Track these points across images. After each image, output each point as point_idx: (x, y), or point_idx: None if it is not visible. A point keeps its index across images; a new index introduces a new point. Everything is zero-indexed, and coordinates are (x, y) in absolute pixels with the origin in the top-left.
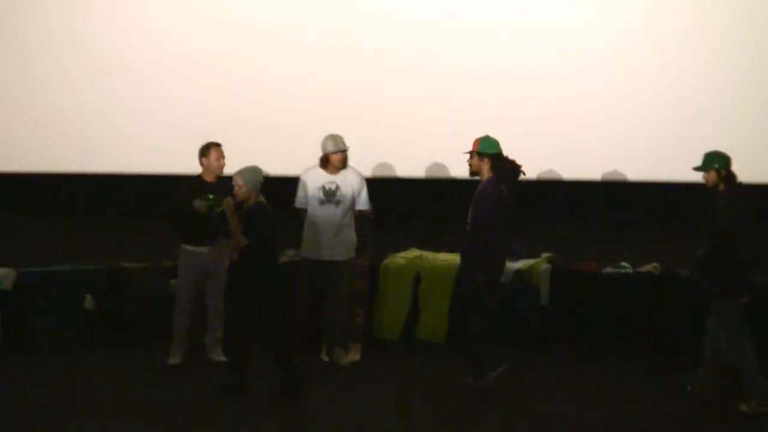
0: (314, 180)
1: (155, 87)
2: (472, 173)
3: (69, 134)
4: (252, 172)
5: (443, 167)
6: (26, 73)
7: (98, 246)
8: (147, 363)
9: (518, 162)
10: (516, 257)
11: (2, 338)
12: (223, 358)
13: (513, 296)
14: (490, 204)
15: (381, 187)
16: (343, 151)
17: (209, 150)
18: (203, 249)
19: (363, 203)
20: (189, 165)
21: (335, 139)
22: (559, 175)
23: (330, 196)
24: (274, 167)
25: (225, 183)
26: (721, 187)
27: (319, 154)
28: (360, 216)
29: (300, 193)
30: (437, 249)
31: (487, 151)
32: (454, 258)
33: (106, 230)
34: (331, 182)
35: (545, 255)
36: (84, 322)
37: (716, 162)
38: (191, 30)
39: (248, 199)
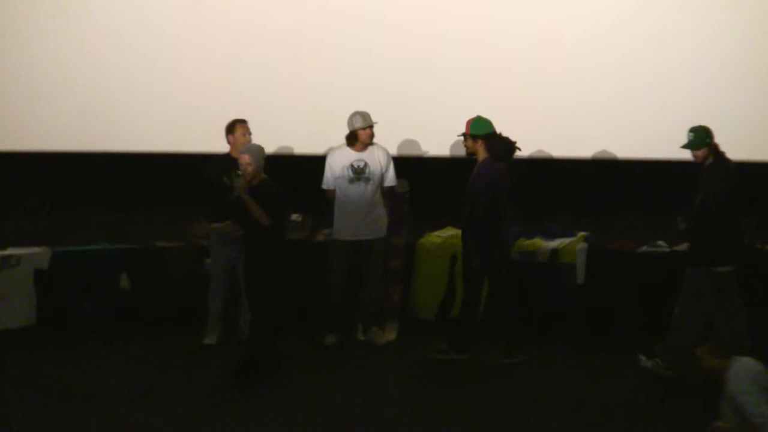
0: (342, 159)
1: (186, 66)
2: (469, 154)
3: (106, 114)
4: (258, 149)
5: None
6: (63, 54)
7: (134, 225)
8: (182, 343)
9: (512, 139)
10: (552, 236)
11: (38, 318)
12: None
13: (549, 275)
14: (485, 184)
15: (417, 165)
16: (371, 127)
17: (235, 126)
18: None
19: (390, 180)
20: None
21: (363, 115)
22: (597, 155)
23: (359, 173)
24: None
25: None
26: (710, 159)
27: (343, 133)
28: (389, 193)
29: (327, 174)
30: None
31: (479, 132)
32: (454, 233)
33: (142, 209)
34: (359, 160)
35: (581, 234)
36: (119, 301)
37: (707, 137)
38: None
39: (254, 177)
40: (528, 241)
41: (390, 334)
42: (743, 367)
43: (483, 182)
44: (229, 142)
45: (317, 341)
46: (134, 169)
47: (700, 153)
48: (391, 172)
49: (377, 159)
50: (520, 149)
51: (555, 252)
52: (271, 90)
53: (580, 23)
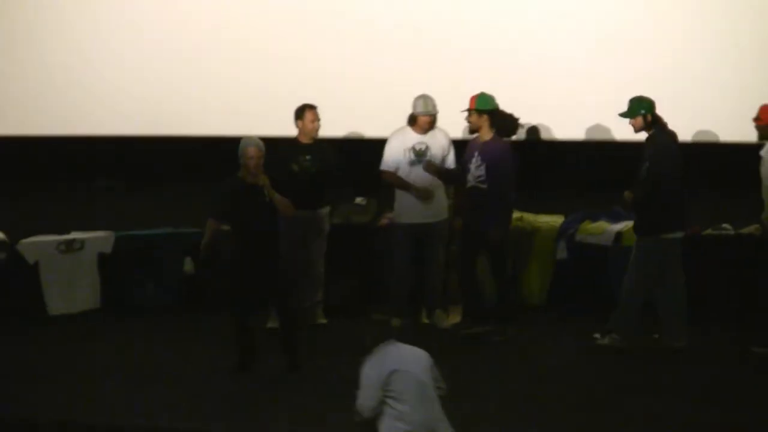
0: (403, 141)
1: (254, 49)
2: (472, 131)
3: (169, 98)
4: (260, 142)
5: (545, 128)
6: (131, 36)
7: (197, 209)
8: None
9: (516, 116)
10: (617, 219)
11: (102, 302)
12: (324, 321)
13: (613, 258)
14: (509, 161)
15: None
16: (432, 115)
17: (304, 112)
18: (303, 213)
19: (451, 163)
20: (284, 127)
21: (426, 101)
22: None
23: (420, 156)
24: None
25: (320, 145)
26: (649, 131)
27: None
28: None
29: (387, 155)
30: (537, 211)
31: (485, 107)
32: (555, 220)
33: (205, 193)
34: (421, 142)
35: None
36: (183, 285)
37: (642, 108)
38: None
39: (261, 171)
40: (593, 224)
41: (454, 318)
42: None
43: (508, 160)
44: (297, 127)
45: (382, 325)
46: (198, 153)
47: (635, 122)
48: (451, 156)
49: (439, 142)
50: (522, 125)
51: (620, 235)
52: (334, 73)
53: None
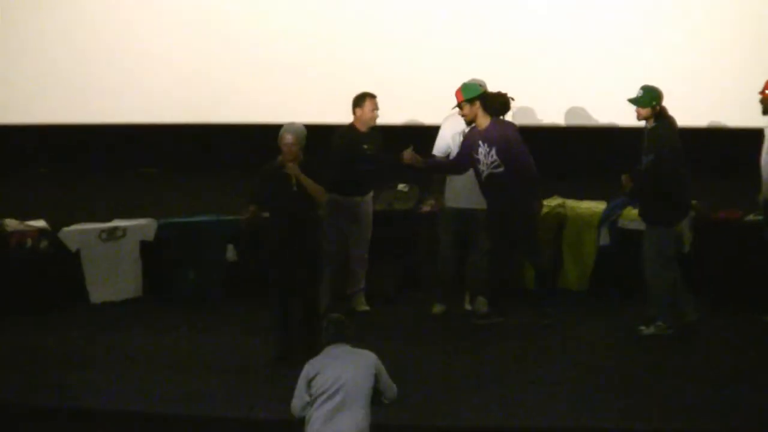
0: (453, 126)
1: (310, 37)
2: (469, 122)
3: (210, 85)
4: (300, 129)
5: (584, 115)
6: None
7: (240, 197)
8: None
9: (504, 92)
10: None
11: (144, 290)
12: (366, 308)
13: None
14: (517, 138)
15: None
16: None
17: (364, 100)
18: (351, 199)
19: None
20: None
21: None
22: (704, 124)
23: None
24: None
25: (377, 133)
26: (651, 121)
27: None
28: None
29: (439, 140)
30: (580, 197)
31: (473, 95)
32: (597, 206)
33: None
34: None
35: None
36: (226, 273)
37: (654, 99)
38: None
39: (297, 158)
40: (635, 210)
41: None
42: None
43: (518, 138)
44: (355, 114)
45: (425, 310)
46: (241, 141)
47: (644, 112)
48: None
49: None
50: (513, 99)
51: None
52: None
53: None
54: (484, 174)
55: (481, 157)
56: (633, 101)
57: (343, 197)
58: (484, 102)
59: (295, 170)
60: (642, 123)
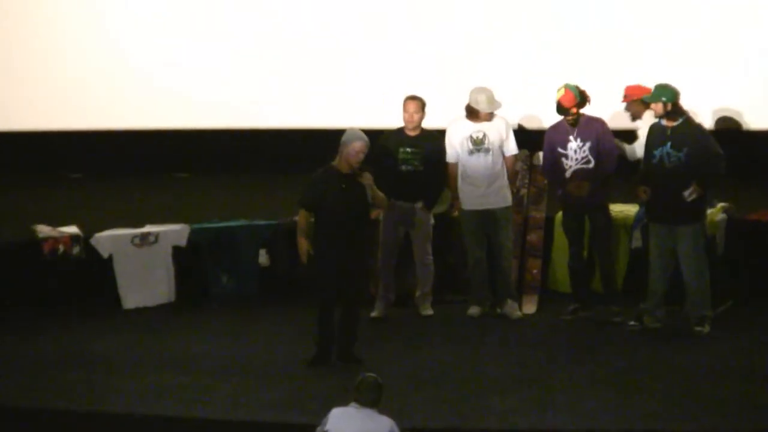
0: (460, 131)
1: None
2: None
3: (238, 91)
4: (365, 136)
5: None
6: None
7: (273, 201)
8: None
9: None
10: None
11: (177, 295)
12: (431, 312)
13: None
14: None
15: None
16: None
17: (404, 103)
18: (404, 203)
19: (512, 149)
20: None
21: (488, 96)
22: (736, 125)
23: (478, 144)
24: None
25: (427, 137)
26: (675, 120)
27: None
28: (512, 162)
29: (449, 147)
30: (611, 201)
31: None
32: (629, 209)
33: (281, 185)
34: (478, 131)
35: (721, 205)
36: (258, 277)
37: (664, 96)
38: None
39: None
40: None
41: (529, 308)
42: None
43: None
44: (403, 118)
45: (461, 313)
46: (273, 145)
47: (656, 107)
48: (511, 141)
49: (496, 128)
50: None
51: None
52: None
53: None
54: (571, 169)
55: (570, 152)
56: (646, 98)
57: (396, 200)
58: (583, 101)
59: (371, 179)
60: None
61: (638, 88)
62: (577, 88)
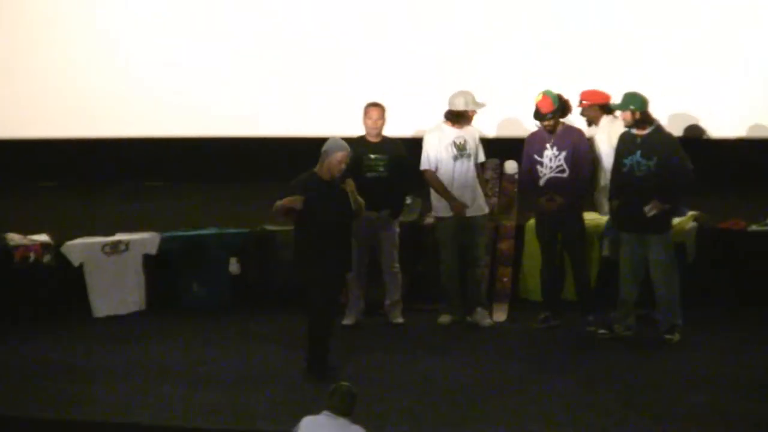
0: (443, 137)
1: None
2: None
3: (210, 99)
4: (347, 145)
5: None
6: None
7: (244, 210)
8: (292, 327)
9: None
10: None
11: (147, 303)
12: (401, 320)
13: None
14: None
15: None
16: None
17: (366, 110)
18: (371, 213)
19: (482, 156)
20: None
21: (473, 96)
22: (704, 134)
23: (461, 150)
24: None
25: (390, 144)
26: (645, 128)
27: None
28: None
29: (429, 154)
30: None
31: (557, 105)
32: (599, 218)
33: (252, 194)
34: (460, 136)
35: (691, 213)
36: (229, 286)
37: (632, 104)
38: None
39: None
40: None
41: (499, 316)
42: None
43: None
44: (364, 125)
45: (431, 321)
46: (242, 154)
47: (625, 116)
48: (481, 149)
49: (472, 135)
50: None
51: None
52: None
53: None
54: (545, 177)
55: (545, 160)
56: (614, 107)
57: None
58: (563, 109)
59: (353, 186)
60: None
61: (595, 93)
62: (558, 96)
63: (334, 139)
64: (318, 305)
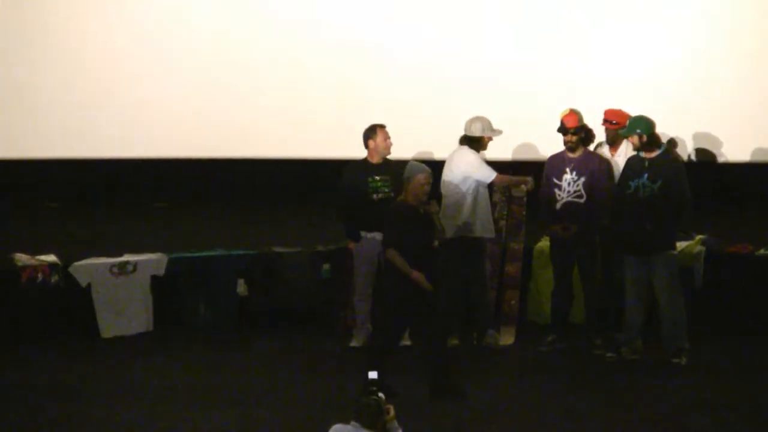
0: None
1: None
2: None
3: (218, 120)
4: (428, 168)
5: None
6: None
7: (251, 231)
8: (299, 348)
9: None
10: None
11: (155, 324)
12: (408, 342)
13: None
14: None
15: (529, 169)
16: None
17: (375, 131)
18: (375, 234)
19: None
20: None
21: (490, 122)
22: (713, 158)
23: None
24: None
25: (391, 165)
26: (652, 152)
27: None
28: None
29: (452, 178)
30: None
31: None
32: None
33: (259, 215)
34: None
35: (699, 237)
36: (236, 307)
37: (638, 128)
38: None
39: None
40: None
41: (507, 339)
42: None
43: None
44: (368, 147)
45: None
46: (250, 175)
47: (633, 140)
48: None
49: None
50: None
51: None
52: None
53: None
54: (562, 201)
55: (564, 183)
56: (621, 133)
57: (366, 233)
58: (587, 133)
59: (437, 207)
60: None
61: (621, 113)
62: (582, 117)
63: (412, 163)
64: (436, 332)
